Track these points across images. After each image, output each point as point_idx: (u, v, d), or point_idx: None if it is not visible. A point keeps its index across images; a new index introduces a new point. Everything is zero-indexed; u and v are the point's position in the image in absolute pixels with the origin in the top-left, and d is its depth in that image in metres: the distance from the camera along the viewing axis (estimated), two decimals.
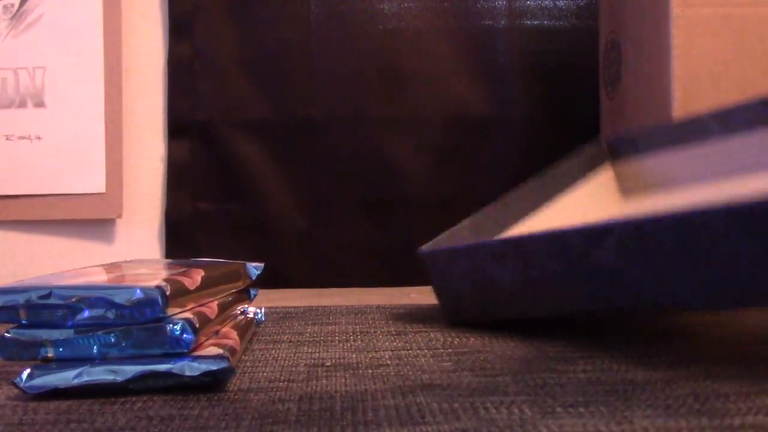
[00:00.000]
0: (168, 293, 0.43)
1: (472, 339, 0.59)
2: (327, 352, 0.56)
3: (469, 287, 0.61)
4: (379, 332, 0.63)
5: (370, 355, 0.54)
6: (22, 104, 1.08)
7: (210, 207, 1.09)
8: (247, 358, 0.54)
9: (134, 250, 1.10)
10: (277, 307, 0.78)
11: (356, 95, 1.09)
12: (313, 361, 0.53)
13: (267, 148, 1.08)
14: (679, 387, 0.44)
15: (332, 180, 1.09)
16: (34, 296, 0.43)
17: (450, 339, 0.59)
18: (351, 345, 0.58)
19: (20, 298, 0.43)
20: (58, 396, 0.43)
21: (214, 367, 0.44)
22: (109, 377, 0.43)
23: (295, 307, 0.78)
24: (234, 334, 0.51)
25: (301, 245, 1.08)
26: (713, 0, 0.83)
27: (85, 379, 0.43)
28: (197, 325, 0.45)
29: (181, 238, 1.09)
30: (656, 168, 0.77)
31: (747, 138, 0.69)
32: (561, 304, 0.55)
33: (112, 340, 0.43)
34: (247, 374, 0.49)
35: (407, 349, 0.56)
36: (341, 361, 0.52)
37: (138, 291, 0.43)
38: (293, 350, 0.56)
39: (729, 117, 0.71)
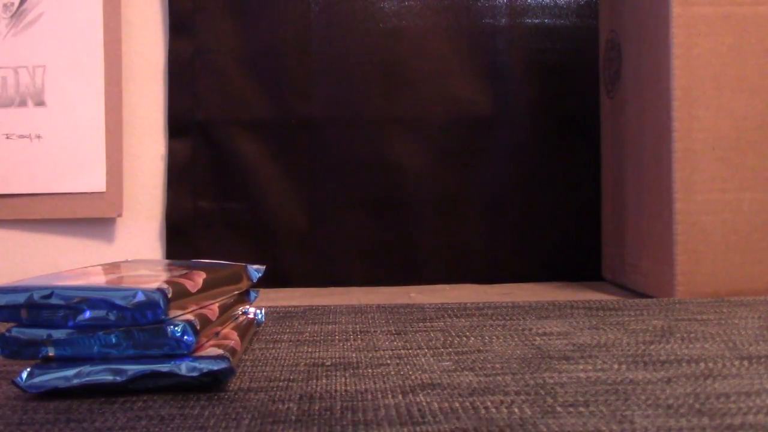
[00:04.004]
0: (170, 296, 0.43)
1: (472, 339, 0.59)
2: (327, 351, 0.56)
3: None
4: (379, 332, 0.63)
5: (370, 355, 0.54)
6: (22, 103, 1.08)
7: (210, 206, 1.09)
8: (247, 357, 0.54)
9: (134, 249, 1.10)
10: (277, 307, 0.78)
11: (356, 94, 1.09)
12: (313, 360, 0.53)
13: (267, 147, 1.08)
14: (679, 387, 0.44)
15: (332, 179, 1.09)
16: (35, 296, 0.43)
17: (450, 339, 0.59)
18: (351, 344, 0.58)
19: (22, 298, 0.43)
20: (58, 396, 0.43)
21: (215, 368, 0.44)
22: (109, 377, 0.43)
23: (295, 307, 0.78)
24: (235, 335, 0.51)
25: (302, 245, 1.08)
26: None
27: (85, 379, 0.43)
28: (198, 327, 0.44)
29: (181, 236, 1.09)
30: None
31: None
32: None
33: (113, 340, 0.43)
34: (247, 374, 0.49)
35: (407, 349, 0.56)
36: (341, 360, 0.52)
37: (140, 293, 0.43)
38: (293, 350, 0.56)
39: None
